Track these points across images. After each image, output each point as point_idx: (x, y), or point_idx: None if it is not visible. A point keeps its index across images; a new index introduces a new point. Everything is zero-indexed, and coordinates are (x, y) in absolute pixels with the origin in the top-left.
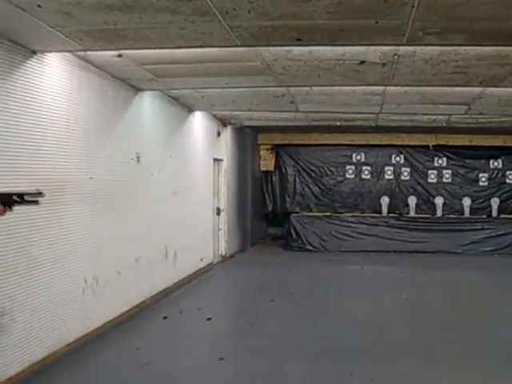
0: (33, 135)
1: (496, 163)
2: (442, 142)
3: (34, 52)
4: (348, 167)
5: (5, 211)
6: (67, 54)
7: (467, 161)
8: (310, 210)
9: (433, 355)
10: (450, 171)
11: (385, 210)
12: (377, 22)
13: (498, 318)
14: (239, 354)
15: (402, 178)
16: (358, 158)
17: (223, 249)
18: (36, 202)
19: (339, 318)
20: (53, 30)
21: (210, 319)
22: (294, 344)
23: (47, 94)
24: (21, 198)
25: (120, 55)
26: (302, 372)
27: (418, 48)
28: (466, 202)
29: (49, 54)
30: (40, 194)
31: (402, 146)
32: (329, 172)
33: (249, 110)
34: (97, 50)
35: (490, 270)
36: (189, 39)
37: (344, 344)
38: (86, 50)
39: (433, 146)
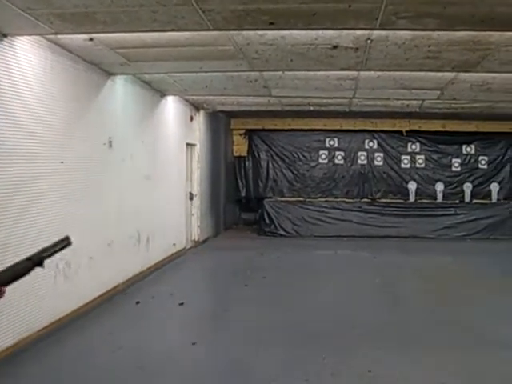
0: (3, 119)
1: (469, 149)
2: (416, 128)
3: (5, 35)
4: (321, 152)
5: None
6: (38, 37)
7: (440, 146)
8: (283, 195)
9: (406, 338)
10: (423, 156)
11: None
12: (350, 6)
13: (470, 300)
14: (212, 339)
15: (376, 163)
16: (332, 143)
17: (196, 234)
18: (67, 246)
19: (312, 302)
20: (23, 13)
21: (182, 304)
22: (266, 328)
23: (18, 77)
24: (51, 253)
25: (91, 39)
26: (274, 356)
27: (390, 32)
28: (439, 187)
29: (20, 38)
30: (67, 238)
31: (375, 131)
32: (302, 157)
33: (222, 95)
34: (68, 34)
35: (462, 255)
36: (161, 23)
37: (317, 328)
38: (56, 34)
39: (406, 132)
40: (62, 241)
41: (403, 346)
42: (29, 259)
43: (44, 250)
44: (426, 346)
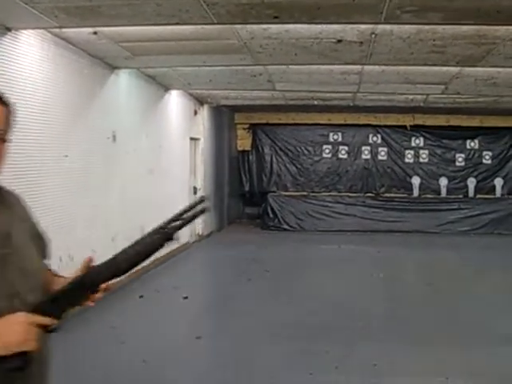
0: None
1: (473, 143)
2: (420, 122)
3: (8, 29)
4: (325, 147)
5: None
6: (42, 31)
7: (444, 141)
8: (287, 190)
9: (409, 333)
10: (426, 151)
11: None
12: (354, 0)
13: (473, 295)
14: (216, 333)
15: (379, 157)
16: (335, 137)
17: (200, 228)
18: (203, 212)
19: (316, 296)
20: (27, 7)
21: (186, 298)
22: (270, 322)
23: (22, 71)
24: (186, 221)
25: (96, 33)
26: (278, 350)
27: (395, 26)
28: (443, 182)
29: (24, 31)
30: (203, 199)
31: (379, 125)
32: (306, 151)
33: (226, 89)
34: (72, 27)
35: (466, 250)
36: (165, 16)
37: (320, 322)
38: (60, 27)
39: (410, 126)
40: (197, 203)
41: (407, 340)
42: (156, 232)
43: (175, 217)
44: (430, 341)
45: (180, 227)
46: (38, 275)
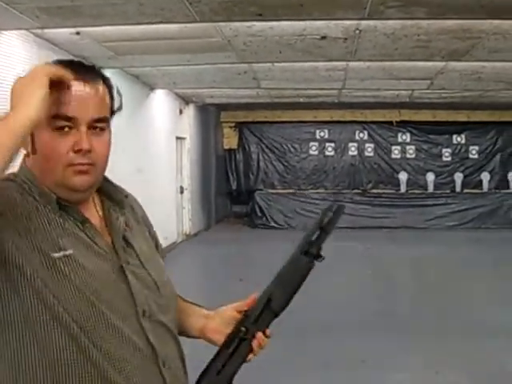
0: None
1: (459, 138)
2: (406, 118)
3: None
4: (311, 144)
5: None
6: (25, 31)
7: (431, 136)
8: (274, 188)
9: (399, 328)
10: (413, 147)
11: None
12: None
13: (462, 289)
14: None
15: (366, 154)
16: (322, 134)
17: (187, 227)
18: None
19: (304, 293)
20: (8, 7)
21: None
22: None
23: (5, 73)
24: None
25: (78, 33)
26: (265, 349)
27: (379, 22)
28: (430, 177)
29: (5, 32)
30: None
31: (365, 122)
32: (292, 149)
33: (211, 88)
34: (54, 28)
35: (453, 245)
36: (148, 15)
37: (308, 319)
38: (42, 28)
39: (396, 122)
40: (327, 211)
41: (396, 335)
42: (301, 255)
43: (310, 233)
44: (419, 335)
45: (322, 240)
46: (167, 291)
